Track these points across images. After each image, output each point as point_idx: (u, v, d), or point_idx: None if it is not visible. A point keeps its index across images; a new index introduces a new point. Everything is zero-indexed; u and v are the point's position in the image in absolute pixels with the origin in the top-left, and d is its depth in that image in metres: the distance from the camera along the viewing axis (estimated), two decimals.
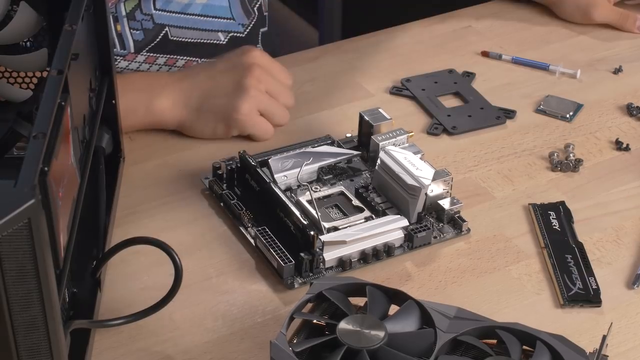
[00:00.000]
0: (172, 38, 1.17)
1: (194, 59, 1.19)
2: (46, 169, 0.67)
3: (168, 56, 1.18)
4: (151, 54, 1.17)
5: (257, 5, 1.25)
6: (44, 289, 0.67)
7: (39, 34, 0.93)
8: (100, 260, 0.87)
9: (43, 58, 0.92)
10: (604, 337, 0.81)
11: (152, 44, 1.16)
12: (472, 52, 1.25)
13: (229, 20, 1.21)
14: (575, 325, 0.87)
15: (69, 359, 0.75)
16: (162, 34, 1.16)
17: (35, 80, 0.96)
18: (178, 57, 1.18)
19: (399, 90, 1.17)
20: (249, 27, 1.24)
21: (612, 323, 0.84)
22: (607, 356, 0.82)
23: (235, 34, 1.22)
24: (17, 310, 0.68)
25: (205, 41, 1.20)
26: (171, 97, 1.05)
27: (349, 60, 1.23)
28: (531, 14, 1.32)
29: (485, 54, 1.24)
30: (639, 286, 0.91)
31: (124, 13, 1.14)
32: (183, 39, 1.18)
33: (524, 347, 0.79)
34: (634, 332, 0.87)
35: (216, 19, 1.20)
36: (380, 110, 1.04)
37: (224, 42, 1.21)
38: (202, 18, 1.19)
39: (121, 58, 1.15)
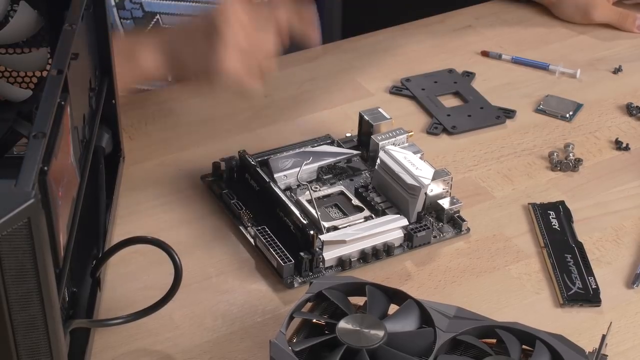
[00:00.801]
0: (164, 26, 1.17)
1: None
2: (46, 168, 0.67)
3: None
4: None
5: None
6: (43, 288, 0.67)
7: (39, 33, 0.93)
8: (100, 260, 0.87)
9: (43, 58, 0.92)
10: (604, 337, 0.81)
11: None
12: (472, 52, 1.25)
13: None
14: (575, 325, 0.87)
15: (68, 359, 0.75)
16: (153, 22, 1.16)
17: (35, 80, 0.97)
18: None
19: (399, 89, 1.18)
20: None
21: (611, 322, 0.84)
22: (607, 355, 0.82)
23: None
24: (16, 310, 0.68)
25: None
26: (151, 49, 1.04)
27: (348, 60, 1.23)
28: (531, 14, 1.32)
29: (485, 54, 1.24)
30: (639, 286, 0.91)
31: (113, 3, 1.13)
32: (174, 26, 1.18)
33: (524, 346, 0.79)
34: (633, 331, 0.87)
35: (207, 4, 1.20)
36: (380, 109, 1.04)
37: None
38: (192, 4, 1.19)
39: None
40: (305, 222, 0.91)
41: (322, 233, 0.92)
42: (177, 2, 1.17)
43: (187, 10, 1.18)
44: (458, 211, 0.97)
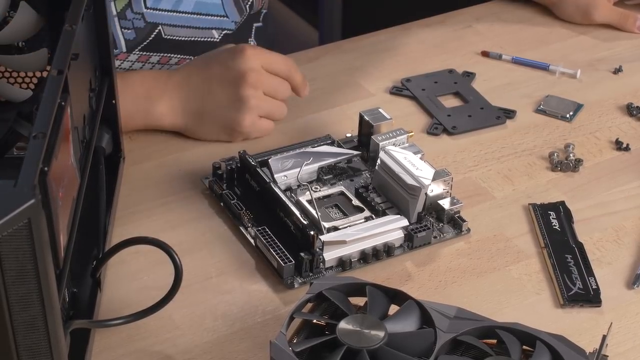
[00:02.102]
0: (165, 37, 1.17)
1: (187, 57, 1.19)
2: (46, 169, 0.67)
3: (161, 55, 1.18)
4: (144, 53, 1.16)
5: (249, 3, 1.25)
6: (43, 288, 0.67)
7: (39, 33, 0.93)
8: (100, 260, 0.87)
9: (43, 58, 0.92)
10: (604, 337, 0.81)
11: (145, 43, 1.16)
12: (472, 52, 1.25)
13: (221, 18, 1.21)
14: (575, 325, 0.87)
15: (68, 359, 0.75)
16: (155, 33, 1.16)
17: (35, 80, 0.96)
18: (172, 55, 1.18)
19: (399, 90, 1.18)
20: (240, 24, 1.24)
21: (612, 323, 0.84)
22: (607, 356, 0.82)
23: (227, 32, 1.22)
24: (17, 310, 0.68)
25: (199, 39, 1.20)
26: (169, 104, 1.05)
27: (349, 60, 1.23)
28: (531, 14, 1.32)
29: (485, 54, 1.24)
30: (639, 286, 0.91)
31: (114, 12, 1.13)
32: (177, 38, 1.18)
33: (524, 347, 0.79)
34: (633, 332, 0.87)
35: (209, 17, 1.20)
36: (380, 110, 1.04)
37: (218, 40, 1.21)
38: (194, 16, 1.19)
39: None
40: (305, 222, 0.91)
41: (322, 233, 0.92)
42: (178, 13, 1.17)
43: (189, 22, 1.18)
44: (458, 211, 0.97)
